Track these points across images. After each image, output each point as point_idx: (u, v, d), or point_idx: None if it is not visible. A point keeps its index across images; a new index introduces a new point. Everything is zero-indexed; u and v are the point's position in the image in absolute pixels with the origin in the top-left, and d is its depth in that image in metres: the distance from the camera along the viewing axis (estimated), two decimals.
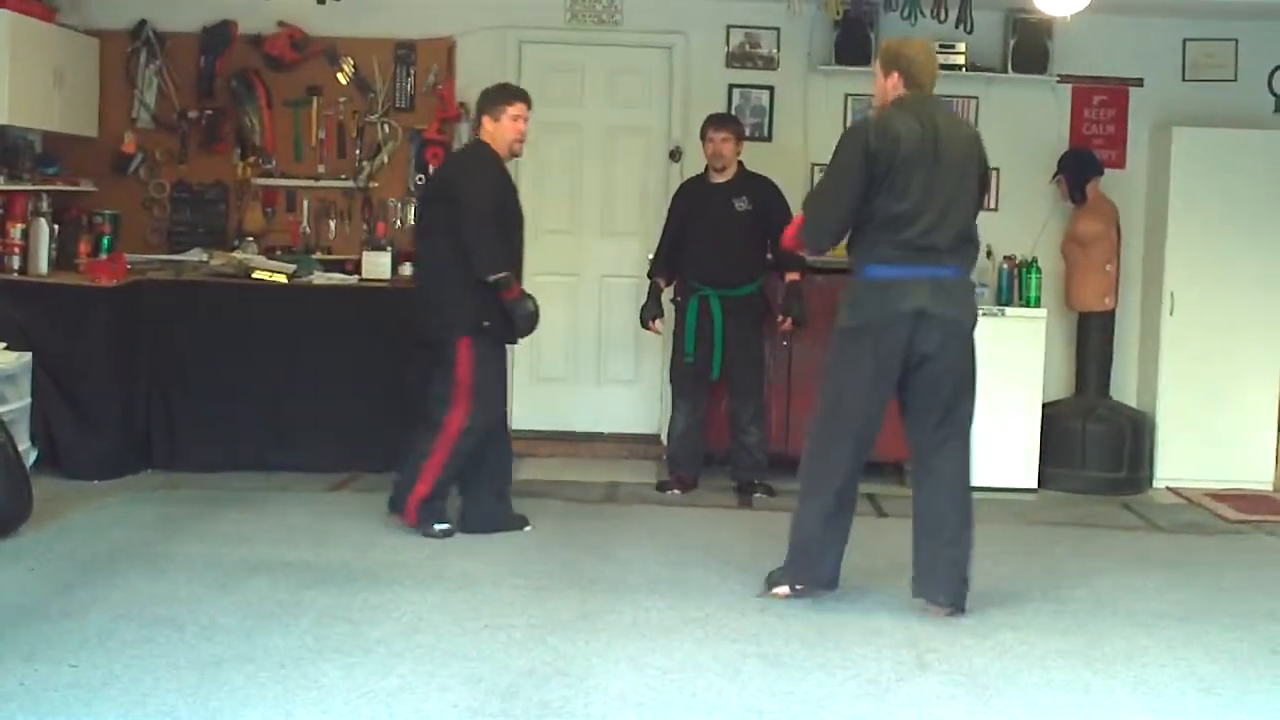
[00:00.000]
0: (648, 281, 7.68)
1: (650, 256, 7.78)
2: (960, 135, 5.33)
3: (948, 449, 5.30)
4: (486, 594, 5.39)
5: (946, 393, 5.26)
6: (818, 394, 5.46)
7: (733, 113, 8.20)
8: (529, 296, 6.23)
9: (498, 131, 6.30)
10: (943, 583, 5.25)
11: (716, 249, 7.39)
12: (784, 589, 5.39)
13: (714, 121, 7.56)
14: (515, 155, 6.44)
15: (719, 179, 7.49)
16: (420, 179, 8.41)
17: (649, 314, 7.59)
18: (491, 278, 6.09)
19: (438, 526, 6.22)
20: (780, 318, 7.49)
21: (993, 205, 7.91)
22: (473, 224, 6.07)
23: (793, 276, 7.44)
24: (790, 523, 5.44)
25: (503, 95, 6.37)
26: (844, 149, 5.27)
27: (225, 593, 5.25)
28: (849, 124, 8.47)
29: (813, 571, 5.37)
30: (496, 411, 6.37)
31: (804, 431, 5.48)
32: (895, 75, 5.29)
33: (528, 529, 6.43)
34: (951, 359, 5.23)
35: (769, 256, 7.49)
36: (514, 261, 6.30)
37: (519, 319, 6.21)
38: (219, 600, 5.15)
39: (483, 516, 6.39)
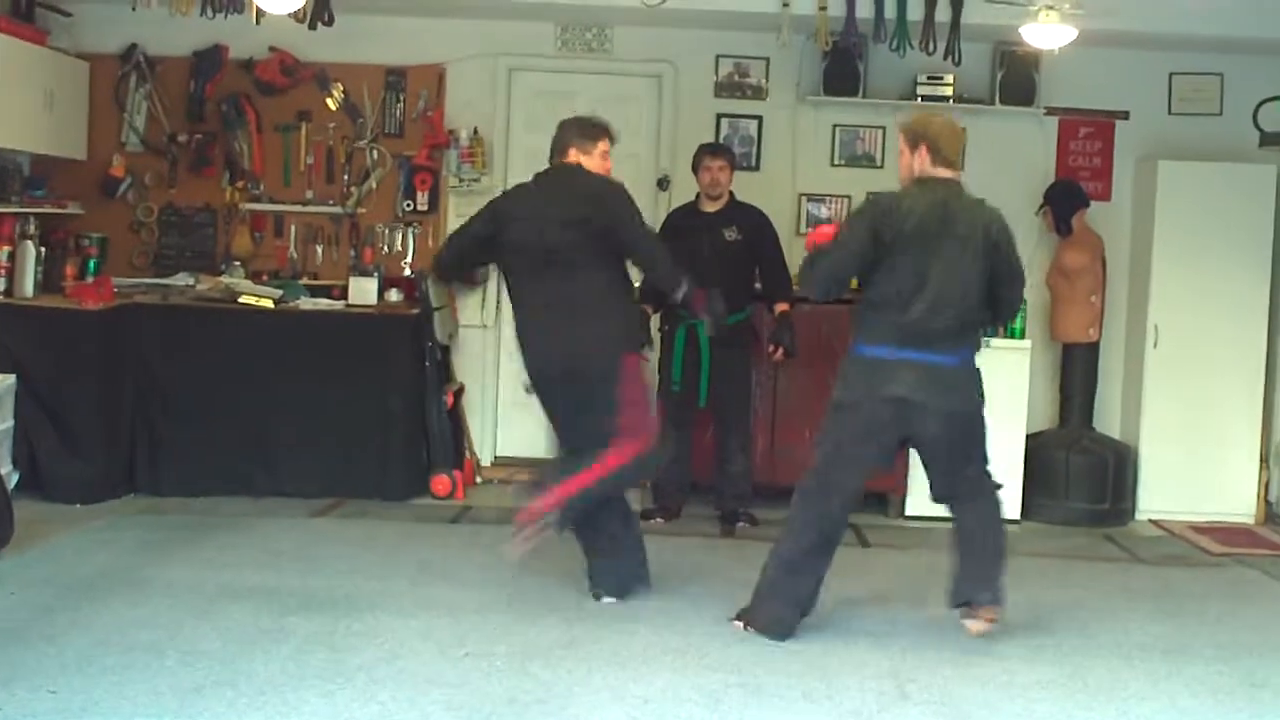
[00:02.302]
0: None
1: (638, 285, 7.77)
2: (974, 220, 5.23)
3: (970, 495, 5.42)
4: (469, 621, 5.37)
5: (953, 463, 5.36)
6: (815, 454, 5.44)
7: (721, 142, 8.22)
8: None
9: (589, 166, 5.87)
10: (982, 583, 5.33)
11: (706, 278, 7.35)
12: (739, 624, 5.41)
13: (709, 150, 7.58)
14: None
15: (710, 208, 7.50)
16: (408, 205, 8.44)
17: None
18: (682, 292, 5.90)
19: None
20: (771, 347, 7.49)
21: None
22: (650, 245, 5.92)
23: (782, 307, 7.44)
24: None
25: (595, 131, 5.89)
26: (856, 215, 5.35)
27: (207, 618, 5.23)
28: (838, 157, 8.58)
29: (762, 618, 5.34)
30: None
31: (798, 485, 5.46)
32: (923, 149, 5.27)
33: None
34: (954, 442, 5.32)
35: (757, 286, 7.51)
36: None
37: (717, 313, 6.08)
38: (200, 626, 5.13)
39: None
